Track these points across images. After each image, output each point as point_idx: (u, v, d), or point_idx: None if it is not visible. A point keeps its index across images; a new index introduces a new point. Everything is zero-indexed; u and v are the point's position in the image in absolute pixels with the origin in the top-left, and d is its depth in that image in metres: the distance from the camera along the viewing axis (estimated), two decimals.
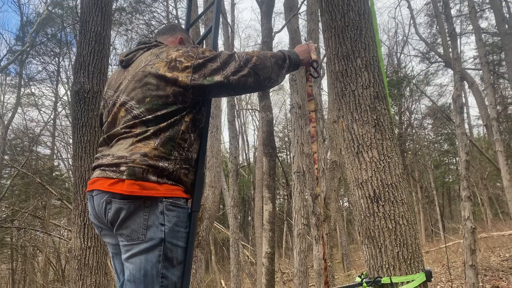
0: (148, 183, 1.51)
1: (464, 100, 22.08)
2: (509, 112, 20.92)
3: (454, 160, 25.91)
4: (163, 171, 1.55)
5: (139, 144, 1.56)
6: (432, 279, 2.14)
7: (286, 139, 30.87)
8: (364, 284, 2.13)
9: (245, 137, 31.54)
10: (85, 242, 3.49)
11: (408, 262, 2.08)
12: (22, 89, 18.32)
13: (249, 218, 33.19)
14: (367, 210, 2.19)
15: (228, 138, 13.81)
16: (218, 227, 23.45)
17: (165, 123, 1.58)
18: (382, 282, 2.07)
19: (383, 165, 2.19)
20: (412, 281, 2.04)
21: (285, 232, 27.57)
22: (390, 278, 2.05)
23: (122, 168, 1.52)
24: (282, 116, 32.53)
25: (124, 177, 1.50)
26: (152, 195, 1.51)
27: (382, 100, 2.29)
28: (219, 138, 8.91)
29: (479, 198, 21.32)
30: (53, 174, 18.24)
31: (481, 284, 8.88)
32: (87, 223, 3.52)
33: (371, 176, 2.19)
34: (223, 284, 17.69)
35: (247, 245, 22.88)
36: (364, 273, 2.22)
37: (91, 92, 3.73)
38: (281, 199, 34.13)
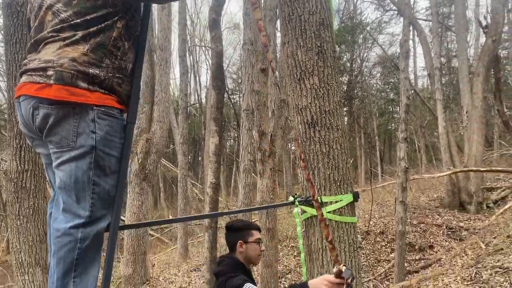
0: (78, 89, 1.46)
1: (412, 50, 22.74)
2: (452, 65, 21.90)
3: (398, 108, 27.15)
4: (94, 78, 1.49)
5: (67, 49, 1.48)
6: (359, 199, 2.32)
7: (240, 80, 30.58)
8: (296, 203, 2.27)
9: (197, 77, 30.85)
10: (22, 165, 3.36)
11: (338, 183, 2.23)
12: None
13: (200, 158, 33.43)
14: (304, 135, 2.28)
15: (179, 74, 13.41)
16: (168, 165, 23.49)
17: (94, 28, 1.50)
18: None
19: (322, 92, 2.25)
20: (340, 200, 2.20)
21: (234, 172, 28.17)
22: (321, 198, 2.19)
23: (50, 73, 1.45)
24: (236, 57, 31.96)
25: (52, 81, 1.43)
26: (82, 101, 1.46)
27: (327, 28, 2.30)
28: (168, 72, 8.65)
29: (416, 145, 22.79)
30: None
31: (409, 220, 9.74)
32: (24, 145, 3.37)
33: (310, 103, 2.26)
34: None
35: (196, 183, 23.23)
36: (298, 193, 2.36)
37: (24, 5, 3.41)
38: (232, 140, 34.51)
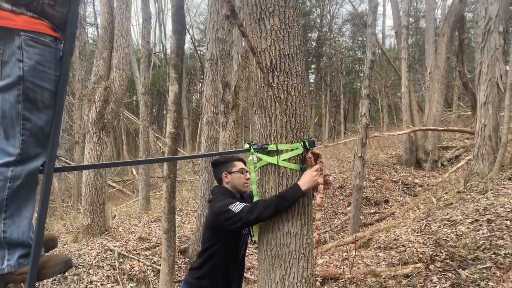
0: (0, 11, 1.28)
1: (382, 9, 22.57)
2: (420, 25, 22.05)
3: (364, 67, 27.30)
4: None
5: None
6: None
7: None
8: (252, 150, 2.20)
9: (163, 26, 29.56)
10: None
11: (295, 131, 2.16)
12: None
13: (164, 111, 32.76)
14: (262, 80, 2.18)
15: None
16: (131, 117, 22.90)
17: None
18: (268, 148, 2.15)
19: (282, 34, 2.13)
20: (296, 149, 2.15)
21: (199, 127, 27.88)
22: (276, 145, 2.13)
23: None
24: (204, 6, 30.74)
25: None
26: (5, 25, 1.29)
27: None
28: (129, 17, 8.17)
29: (379, 104, 23.24)
30: None
31: (367, 176, 10.04)
32: None
33: (269, 45, 2.14)
34: (134, 172, 17.90)
35: (160, 136, 22.87)
36: (254, 141, 2.29)
37: None
38: (198, 94, 33.89)
